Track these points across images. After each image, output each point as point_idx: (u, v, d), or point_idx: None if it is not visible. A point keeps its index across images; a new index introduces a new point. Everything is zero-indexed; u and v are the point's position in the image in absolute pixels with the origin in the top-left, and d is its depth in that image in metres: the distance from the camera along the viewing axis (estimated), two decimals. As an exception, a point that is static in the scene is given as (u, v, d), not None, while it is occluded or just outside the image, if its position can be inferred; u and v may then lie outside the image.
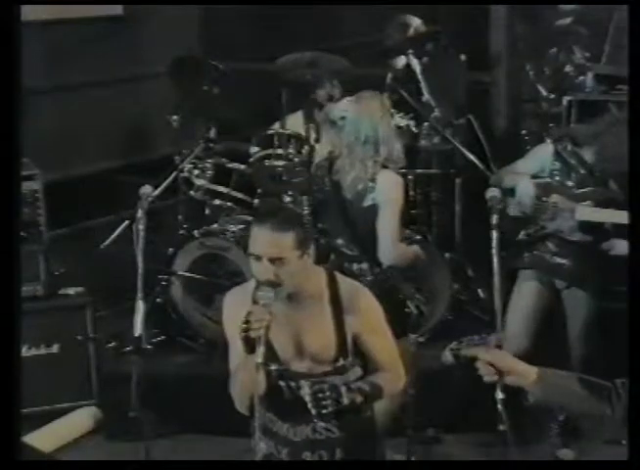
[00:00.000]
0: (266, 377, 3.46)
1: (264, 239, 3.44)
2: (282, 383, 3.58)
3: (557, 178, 5.11)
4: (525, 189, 5.06)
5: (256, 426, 3.46)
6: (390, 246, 5.00)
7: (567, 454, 5.14)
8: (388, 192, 5.00)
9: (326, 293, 3.61)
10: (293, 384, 3.57)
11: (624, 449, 3.02)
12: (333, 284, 3.63)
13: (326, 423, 3.60)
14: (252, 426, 3.59)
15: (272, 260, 3.43)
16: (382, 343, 3.68)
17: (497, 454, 4.12)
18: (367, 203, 5.04)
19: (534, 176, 5.19)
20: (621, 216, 4.84)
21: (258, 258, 3.46)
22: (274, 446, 3.68)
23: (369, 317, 3.63)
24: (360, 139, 5.02)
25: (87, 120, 6.82)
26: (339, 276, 3.69)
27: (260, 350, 3.33)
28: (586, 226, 5.04)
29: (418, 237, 6.02)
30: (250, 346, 3.36)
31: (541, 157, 5.19)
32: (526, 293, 5.12)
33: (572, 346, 5.10)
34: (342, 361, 3.60)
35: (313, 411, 3.47)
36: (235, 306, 3.60)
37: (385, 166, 5.05)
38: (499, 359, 3.15)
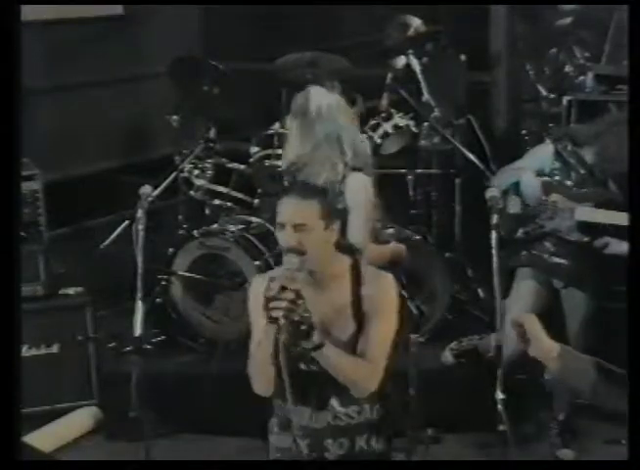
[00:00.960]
0: (287, 360, 3.43)
1: (290, 207, 3.51)
2: (303, 366, 3.57)
3: (557, 178, 5.12)
4: (530, 182, 5.07)
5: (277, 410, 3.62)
6: (362, 249, 4.91)
7: (567, 454, 5.14)
8: (355, 195, 4.87)
9: (348, 275, 3.63)
10: (314, 367, 3.54)
11: (624, 449, 3.02)
12: (356, 268, 3.65)
13: (345, 408, 3.62)
14: (270, 421, 3.68)
15: (296, 227, 3.48)
16: (378, 331, 3.60)
17: (497, 454, 4.12)
18: (339, 206, 4.96)
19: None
20: (621, 218, 4.84)
21: (283, 225, 3.51)
22: (292, 441, 3.66)
23: (381, 300, 3.61)
24: (328, 138, 4.89)
25: (87, 120, 6.81)
26: (364, 263, 3.72)
27: (283, 327, 3.35)
28: (584, 226, 5.05)
29: (418, 237, 6.04)
30: (273, 320, 3.36)
31: (541, 156, 5.19)
32: (525, 292, 5.11)
33: (571, 345, 5.09)
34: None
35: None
36: (259, 290, 3.58)
37: (355, 169, 4.98)
38: (531, 323, 3.15)
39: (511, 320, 3.25)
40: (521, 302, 5.08)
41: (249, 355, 3.62)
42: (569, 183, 5.12)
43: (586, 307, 5.07)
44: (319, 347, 3.43)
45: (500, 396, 4.00)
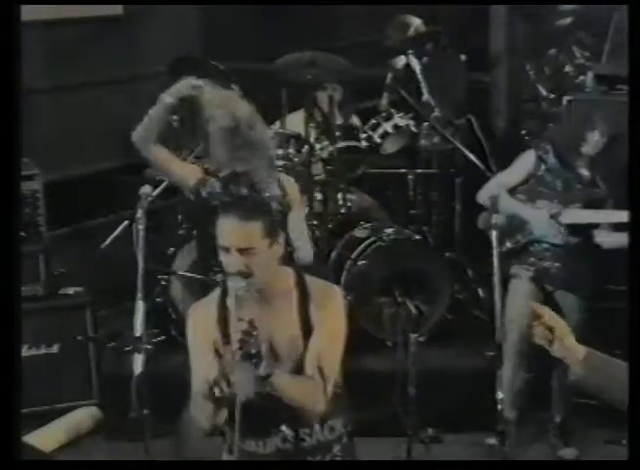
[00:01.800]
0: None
1: (232, 229, 3.37)
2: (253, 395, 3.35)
3: (543, 184, 5.16)
4: (539, 218, 5.17)
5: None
6: (308, 246, 4.85)
7: (569, 453, 5.13)
8: (290, 195, 4.79)
9: (295, 290, 3.51)
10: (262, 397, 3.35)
11: (624, 449, 3.02)
12: (301, 282, 3.53)
13: (293, 431, 3.49)
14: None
15: (241, 251, 3.35)
16: (327, 347, 3.47)
17: (497, 454, 4.12)
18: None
19: (522, 183, 5.24)
20: (608, 216, 4.88)
21: (227, 249, 3.38)
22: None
23: (333, 318, 3.49)
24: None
25: (87, 120, 6.80)
26: (307, 276, 3.58)
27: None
28: (572, 229, 5.09)
29: (418, 237, 6.05)
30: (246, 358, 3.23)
31: (525, 165, 5.24)
32: (520, 295, 5.11)
33: None
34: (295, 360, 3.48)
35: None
36: (201, 320, 3.50)
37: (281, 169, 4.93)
38: (559, 326, 3.12)
39: (540, 316, 3.18)
40: (516, 304, 5.07)
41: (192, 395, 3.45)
42: (556, 187, 5.16)
43: (578, 308, 5.09)
44: (267, 377, 3.28)
45: (500, 396, 3.99)
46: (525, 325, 5.05)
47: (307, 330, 3.48)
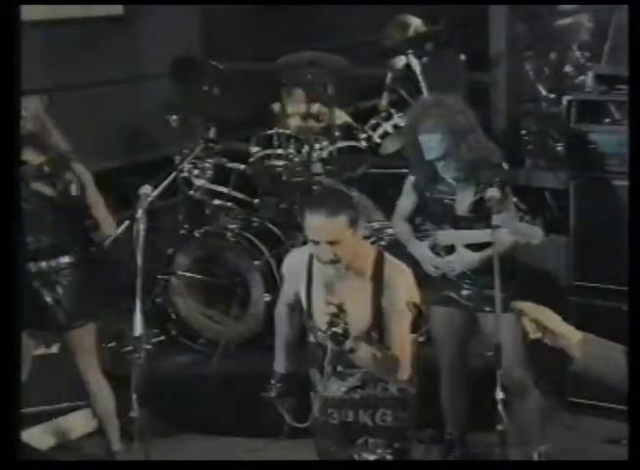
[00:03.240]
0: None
1: (319, 225, 3.69)
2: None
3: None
4: (420, 252, 4.87)
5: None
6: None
7: (543, 451, 5.01)
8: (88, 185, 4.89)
9: (370, 269, 3.81)
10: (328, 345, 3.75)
11: (624, 449, 3.02)
12: (379, 262, 3.84)
13: (348, 382, 3.86)
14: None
15: (330, 243, 3.68)
16: (399, 326, 3.79)
17: (497, 454, 4.12)
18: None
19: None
20: (472, 236, 4.67)
21: (317, 242, 3.73)
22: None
23: (400, 295, 3.77)
24: None
25: (87, 120, 6.81)
26: (387, 256, 3.88)
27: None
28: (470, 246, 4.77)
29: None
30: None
31: (410, 189, 4.95)
32: (442, 323, 4.93)
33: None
34: (373, 335, 3.79)
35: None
36: (294, 263, 4.01)
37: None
38: (544, 316, 3.13)
39: (525, 314, 3.17)
40: (442, 331, 4.96)
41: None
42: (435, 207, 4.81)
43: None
44: (351, 351, 3.65)
45: (500, 396, 3.99)
46: (453, 349, 4.99)
47: (377, 307, 3.79)
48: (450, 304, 4.87)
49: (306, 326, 3.98)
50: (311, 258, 3.90)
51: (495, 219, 4.34)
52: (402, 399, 3.95)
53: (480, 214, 4.63)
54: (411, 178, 4.94)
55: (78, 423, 5.56)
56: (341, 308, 3.59)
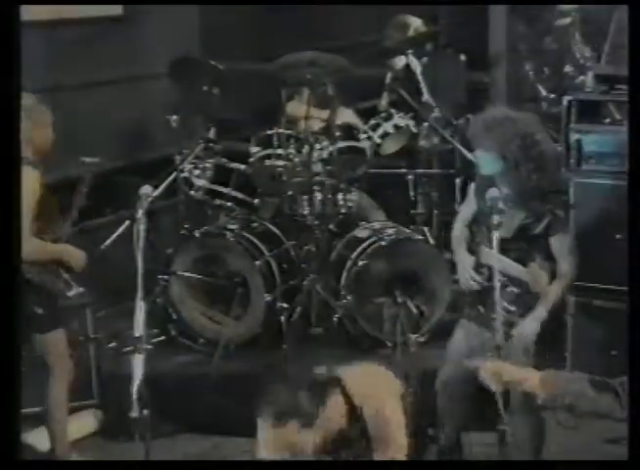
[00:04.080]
0: None
1: None
2: None
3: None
4: (462, 266, 4.77)
5: None
6: (22, 241, 4.55)
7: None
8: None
9: None
10: None
11: (624, 449, 3.02)
12: None
13: None
14: None
15: None
16: None
17: (497, 454, 4.12)
18: None
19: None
20: (518, 271, 4.51)
21: None
22: None
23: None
24: None
25: (87, 120, 6.81)
26: None
27: None
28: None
29: (418, 237, 6.05)
30: None
31: (472, 196, 4.80)
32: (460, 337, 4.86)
33: None
34: None
35: None
36: None
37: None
38: (502, 369, 3.20)
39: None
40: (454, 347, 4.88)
41: None
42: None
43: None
44: None
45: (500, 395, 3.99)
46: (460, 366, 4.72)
47: None
48: (479, 320, 4.70)
49: None
50: None
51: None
52: None
53: (521, 244, 4.51)
54: (472, 184, 4.83)
55: (78, 423, 5.55)
56: None
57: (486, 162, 4.57)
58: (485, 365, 3.25)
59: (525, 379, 3.20)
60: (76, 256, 5.02)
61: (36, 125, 4.86)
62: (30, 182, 4.72)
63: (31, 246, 4.68)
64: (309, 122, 6.05)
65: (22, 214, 4.53)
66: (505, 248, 4.43)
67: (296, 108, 6.32)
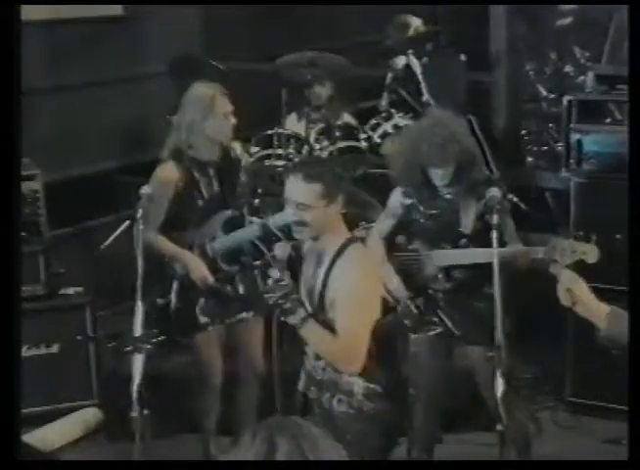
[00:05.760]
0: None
1: (294, 186, 3.81)
2: None
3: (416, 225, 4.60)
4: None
5: None
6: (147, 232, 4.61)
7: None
8: None
9: (335, 249, 3.83)
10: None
11: (624, 449, 3.02)
12: (346, 245, 3.83)
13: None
14: None
15: (299, 205, 3.80)
16: (344, 316, 3.75)
17: (497, 454, 4.12)
18: None
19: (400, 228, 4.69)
20: (474, 255, 4.38)
21: (289, 201, 3.85)
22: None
23: (350, 284, 3.76)
24: None
25: (87, 120, 6.81)
26: (358, 244, 3.90)
27: None
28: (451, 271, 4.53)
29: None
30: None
31: (394, 207, 4.67)
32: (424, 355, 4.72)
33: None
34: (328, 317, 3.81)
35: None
36: None
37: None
38: (578, 287, 3.26)
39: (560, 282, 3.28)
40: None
41: None
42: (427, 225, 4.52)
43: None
44: (304, 320, 3.73)
45: (500, 395, 3.99)
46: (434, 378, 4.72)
47: (322, 299, 3.82)
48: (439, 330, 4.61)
49: None
50: None
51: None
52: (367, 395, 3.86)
53: (486, 232, 4.28)
54: (398, 193, 4.61)
55: (79, 422, 5.55)
56: (291, 289, 3.73)
57: (442, 175, 4.41)
58: (566, 275, 3.29)
59: (594, 305, 3.24)
60: (195, 266, 4.92)
61: (215, 116, 4.92)
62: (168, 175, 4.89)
63: (153, 239, 4.75)
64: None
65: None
66: (462, 246, 4.46)
67: (294, 126, 6.30)
